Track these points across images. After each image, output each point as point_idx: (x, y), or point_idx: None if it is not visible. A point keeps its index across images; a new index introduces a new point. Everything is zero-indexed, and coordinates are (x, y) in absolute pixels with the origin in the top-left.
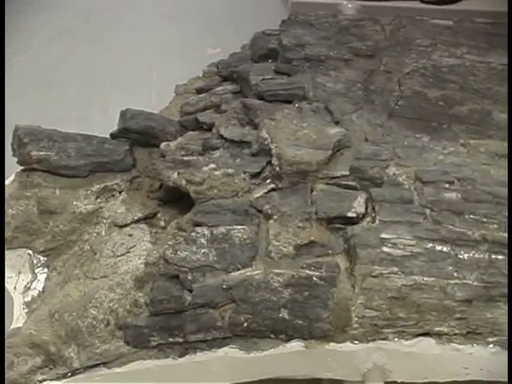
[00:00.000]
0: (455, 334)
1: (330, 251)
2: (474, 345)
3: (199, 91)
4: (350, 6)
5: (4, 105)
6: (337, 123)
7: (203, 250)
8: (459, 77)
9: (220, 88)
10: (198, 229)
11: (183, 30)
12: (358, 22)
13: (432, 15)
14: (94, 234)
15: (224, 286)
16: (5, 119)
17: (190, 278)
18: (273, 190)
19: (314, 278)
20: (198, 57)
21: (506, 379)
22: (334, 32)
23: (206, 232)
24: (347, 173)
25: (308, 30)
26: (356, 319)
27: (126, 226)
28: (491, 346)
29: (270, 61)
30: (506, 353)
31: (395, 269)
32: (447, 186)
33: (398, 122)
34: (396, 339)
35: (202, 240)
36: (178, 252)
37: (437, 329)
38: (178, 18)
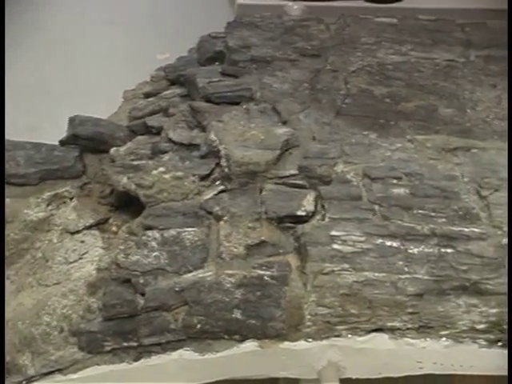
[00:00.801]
0: (408, 329)
1: (280, 250)
2: (427, 339)
3: (147, 96)
4: (295, 7)
5: (4, 105)
6: (284, 123)
7: (154, 254)
8: (405, 73)
9: (168, 92)
10: (149, 232)
11: (131, 36)
12: (302, 22)
13: (376, 13)
14: (46, 242)
15: (176, 289)
16: (5, 120)
17: (142, 281)
18: (222, 191)
19: (266, 278)
20: (147, 62)
21: (458, 372)
22: (279, 33)
23: (157, 235)
24: (296, 172)
25: (253, 32)
26: (309, 317)
27: (77, 232)
28: (443, 339)
29: (216, 63)
30: (458, 345)
31: (346, 265)
32: (395, 181)
33: (345, 119)
34: (349, 336)
35: (153, 243)
36: (130, 256)
37: (389, 324)
38: (125, 24)
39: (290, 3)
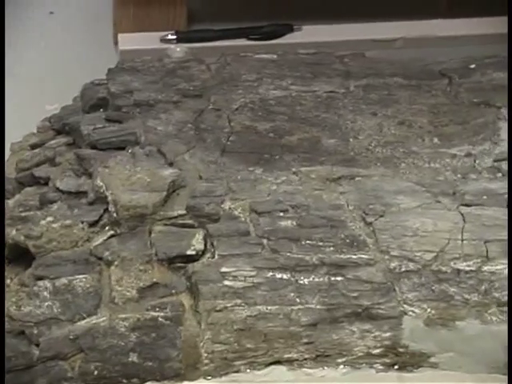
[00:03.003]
0: (305, 359)
1: (173, 291)
2: (325, 367)
3: (34, 147)
4: (178, 49)
5: (4, 106)
6: (170, 164)
7: (47, 303)
8: (287, 108)
9: (53, 141)
10: (40, 282)
11: (19, 87)
12: (183, 63)
13: (256, 51)
14: None
15: (71, 337)
16: (5, 120)
17: (36, 332)
18: (112, 236)
19: (160, 319)
20: (36, 113)
21: None
22: (160, 76)
23: (48, 285)
24: (184, 212)
25: (135, 76)
26: (206, 355)
27: None
28: (341, 366)
29: (101, 110)
30: (356, 372)
31: (238, 301)
32: (282, 214)
33: (230, 157)
34: (248, 370)
35: (45, 293)
36: (22, 307)
37: (286, 356)
38: (13, 75)
39: (173, 46)
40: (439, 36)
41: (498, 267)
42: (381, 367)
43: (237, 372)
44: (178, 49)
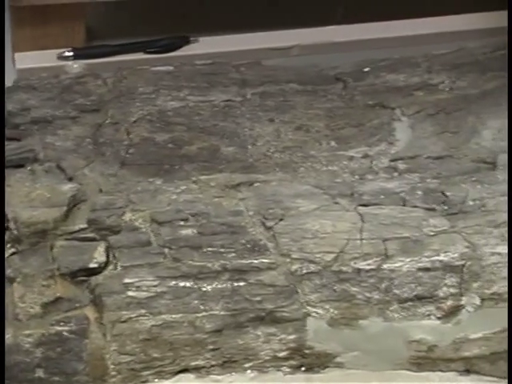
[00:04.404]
0: (212, 366)
1: (77, 304)
2: (233, 373)
3: None
4: (75, 65)
5: (4, 106)
6: (70, 179)
7: None
8: (185, 118)
9: None
10: None
11: None
12: (79, 79)
13: (153, 63)
14: None
15: None
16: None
17: None
18: (13, 253)
19: (65, 333)
20: None
21: None
22: (57, 92)
23: None
24: (85, 225)
25: (31, 94)
26: (113, 367)
27: None
28: (249, 371)
29: None
30: (263, 376)
31: (143, 311)
32: (182, 223)
33: (130, 169)
34: (156, 380)
35: None
36: None
37: (193, 363)
38: None
39: (70, 63)
40: (334, 42)
41: (397, 265)
42: (288, 369)
43: (144, 382)
44: (76, 65)
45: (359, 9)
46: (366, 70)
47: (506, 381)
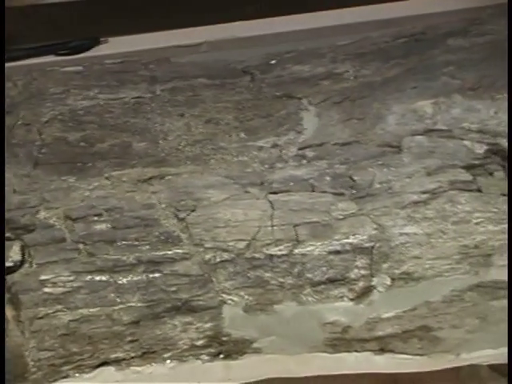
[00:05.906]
0: (132, 358)
1: None
2: (152, 364)
3: None
4: None
5: (4, 107)
6: None
7: None
8: (96, 116)
9: None
10: None
11: None
12: None
13: (62, 64)
14: None
15: None
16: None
17: None
18: None
19: None
20: None
21: None
22: None
23: None
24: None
25: None
26: (32, 363)
27: None
28: (168, 361)
29: None
30: (183, 365)
31: (60, 306)
32: (96, 218)
33: (43, 169)
34: (77, 375)
35: None
36: None
37: (113, 356)
38: None
39: None
40: (241, 37)
41: (308, 249)
42: (207, 357)
43: (65, 377)
44: None
45: (272, 4)
46: (273, 62)
47: (419, 357)
